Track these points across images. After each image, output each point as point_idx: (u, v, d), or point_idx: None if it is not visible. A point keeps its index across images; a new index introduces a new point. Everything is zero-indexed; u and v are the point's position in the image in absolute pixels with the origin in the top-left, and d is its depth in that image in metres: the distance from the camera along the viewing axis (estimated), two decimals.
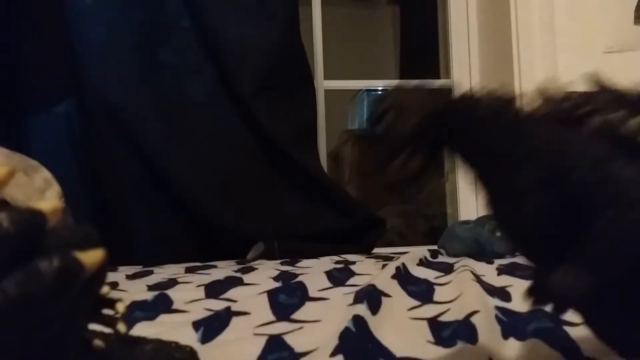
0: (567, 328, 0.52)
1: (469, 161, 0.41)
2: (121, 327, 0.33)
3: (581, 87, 0.39)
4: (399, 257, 1.08)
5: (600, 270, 0.34)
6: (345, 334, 0.52)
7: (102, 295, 0.33)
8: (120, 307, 0.34)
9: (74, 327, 0.27)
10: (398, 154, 0.40)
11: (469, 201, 1.86)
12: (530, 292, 0.43)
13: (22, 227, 0.23)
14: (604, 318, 0.36)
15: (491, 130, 0.39)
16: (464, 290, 0.72)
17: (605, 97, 0.38)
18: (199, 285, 0.87)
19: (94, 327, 0.32)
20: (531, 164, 0.36)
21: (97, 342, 0.31)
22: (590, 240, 0.34)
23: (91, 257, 0.25)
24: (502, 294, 0.70)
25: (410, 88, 0.43)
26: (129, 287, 0.89)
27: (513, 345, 0.52)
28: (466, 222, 1.36)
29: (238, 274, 1.01)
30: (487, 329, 0.54)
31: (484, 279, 0.82)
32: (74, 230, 0.26)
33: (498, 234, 1.20)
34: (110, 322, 0.33)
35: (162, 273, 1.08)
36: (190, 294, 0.80)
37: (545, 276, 0.36)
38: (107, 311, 0.33)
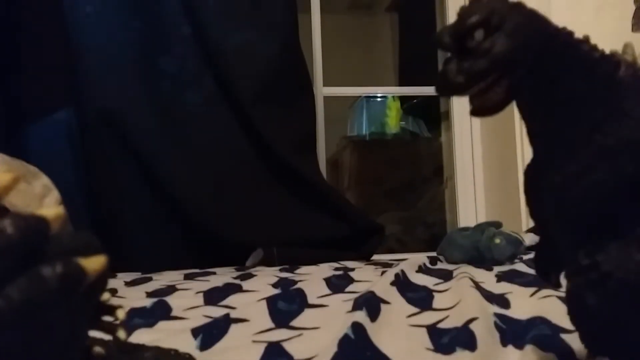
0: (564, 336, 0.52)
1: (542, 106, 0.36)
2: (121, 334, 0.33)
3: None
4: (398, 264, 1.08)
5: None
6: (344, 341, 0.52)
7: (103, 301, 0.33)
8: (121, 314, 0.33)
9: (77, 334, 0.27)
10: (482, 78, 0.33)
11: (468, 208, 1.86)
12: (546, 269, 0.42)
13: (26, 233, 0.23)
14: (631, 307, 0.34)
15: (588, 75, 0.35)
16: (463, 297, 0.71)
17: None
18: (197, 292, 0.87)
19: (94, 333, 0.32)
20: (620, 125, 0.34)
21: (97, 349, 0.31)
22: None
23: (93, 263, 0.25)
24: (501, 300, 0.70)
25: (503, 2, 0.35)
26: (127, 294, 0.89)
27: (512, 353, 0.51)
28: (465, 229, 1.36)
29: (237, 281, 1.00)
30: (486, 336, 0.54)
31: (483, 285, 0.82)
32: (76, 237, 0.27)
33: (497, 240, 1.20)
34: (110, 328, 0.33)
35: (160, 280, 1.08)
36: (189, 300, 0.80)
37: (578, 252, 0.35)
38: (107, 318, 0.33)
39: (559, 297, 0.64)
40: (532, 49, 0.34)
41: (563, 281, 0.40)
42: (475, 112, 0.35)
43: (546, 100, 0.36)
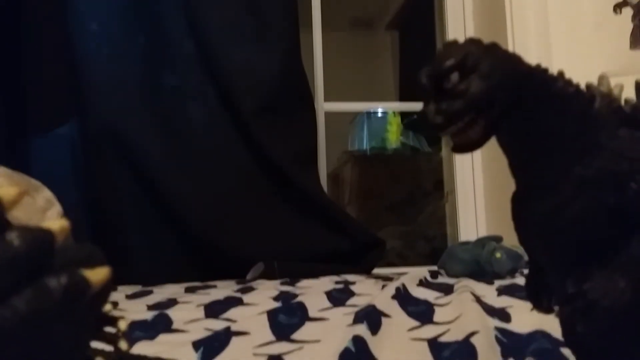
0: (564, 350, 0.52)
1: (520, 142, 0.37)
2: (123, 345, 0.34)
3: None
4: (399, 278, 1.08)
5: None
6: (345, 354, 0.52)
7: (105, 313, 0.33)
8: (122, 325, 0.34)
9: (79, 345, 0.27)
10: (459, 118, 0.34)
11: (469, 222, 1.86)
12: (537, 295, 0.43)
13: (33, 246, 0.24)
14: (621, 333, 0.34)
15: (564, 111, 0.36)
16: (463, 311, 0.71)
17: None
18: (198, 305, 0.87)
19: (96, 345, 0.33)
20: (598, 157, 0.35)
21: None
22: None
23: (97, 274, 0.26)
24: (502, 314, 0.70)
25: (477, 45, 0.36)
26: (128, 307, 0.89)
27: None
28: (466, 243, 1.36)
29: (238, 294, 1.00)
30: (487, 349, 0.54)
31: (483, 299, 0.82)
32: (80, 248, 0.27)
33: (498, 254, 1.20)
34: (111, 339, 0.33)
35: (161, 293, 1.08)
36: (190, 313, 0.80)
37: (566, 280, 0.35)
38: (108, 329, 0.33)
39: None
40: (507, 89, 0.35)
41: (555, 306, 0.41)
42: (456, 149, 0.37)
43: (524, 137, 0.37)
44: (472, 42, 0.37)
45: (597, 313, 0.34)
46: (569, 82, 0.37)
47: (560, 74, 0.37)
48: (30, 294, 0.23)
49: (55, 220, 0.26)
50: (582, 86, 0.38)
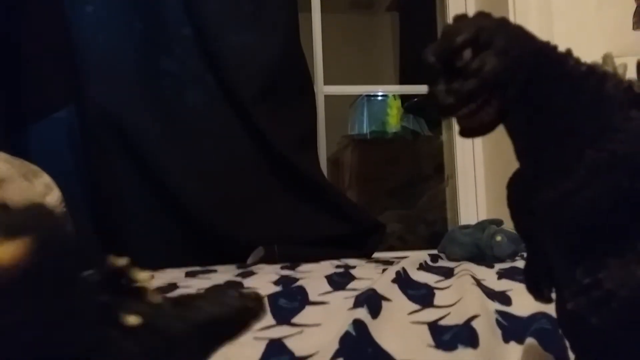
0: None
1: (532, 124, 0.35)
2: (154, 296, 0.30)
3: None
4: (399, 262, 1.08)
5: None
6: (345, 338, 0.52)
7: (117, 267, 0.29)
8: (141, 276, 0.30)
9: (63, 323, 0.24)
10: (473, 99, 0.32)
11: (469, 206, 1.86)
12: (536, 285, 0.42)
13: None
14: (637, 324, 0.33)
15: (578, 91, 0.34)
16: (464, 295, 0.72)
17: None
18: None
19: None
20: (612, 139, 0.33)
21: (131, 319, 0.28)
22: None
23: (8, 250, 0.21)
24: (502, 298, 0.70)
25: (489, 19, 0.33)
26: None
27: (514, 349, 0.52)
28: (466, 227, 1.36)
29: (238, 279, 1.01)
30: (487, 333, 0.55)
31: (484, 283, 0.82)
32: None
33: (498, 238, 1.20)
34: (138, 293, 0.30)
35: (162, 278, 1.08)
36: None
37: (575, 270, 0.34)
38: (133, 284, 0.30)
39: None
40: (523, 67, 0.33)
41: (554, 295, 0.40)
42: (465, 133, 0.35)
43: (536, 119, 0.35)
44: (483, 16, 0.34)
45: (614, 304, 0.32)
46: (579, 61, 0.35)
47: (569, 52, 0.35)
48: None
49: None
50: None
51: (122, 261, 0.29)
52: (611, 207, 0.34)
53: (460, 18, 0.34)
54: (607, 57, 0.39)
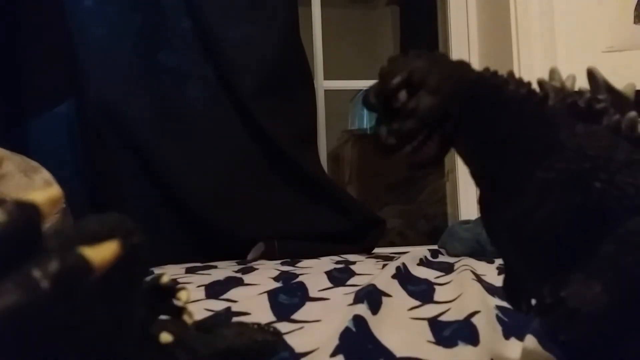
0: None
1: (479, 151, 0.36)
2: (188, 317, 0.32)
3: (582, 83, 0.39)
4: (399, 257, 1.08)
5: (622, 283, 0.32)
6: (345, 334, 0.52)
7: (163, 284, 0.31)
8: (184, 296, 0.32)
9: (124, 324, 0.24)
10: (413, 138, 0.33)
11: (470, 201, 1.85)
12: (515, 299, 0.42)
13: (10, 228, 0.19)
14: (604, 337, 0.34)
15: (519, 114, 0.35)
16: (464, 290, 0.71)
17: (609, 96, 0.37)
18: (199, 286, 0.87)
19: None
20: (559, 157, 0.34)
21: (165, 336, 0.29)
22: (614, 250, 0.32)
23: (101, 252, 0.21)
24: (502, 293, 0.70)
25: (422, 58, 0.34)
26: None
27: (514, 346, 0.51)
28: (466, 222, 1.36)
29: (238, 274, 1.01)
30: (488, 329, 0.54)
31: (484, 278, 0.82)
32: (86, 223, 0.23)
33: None
34: (175, 311, 0.31)
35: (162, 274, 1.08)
36: (190, 294, 0.80)
37: (542, 287, 0.34)
38: (175, 301, 0.32)
39: None
40: (458, 100, 0.34)
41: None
42: (413, 167, 0.35)
43: (481, 146, 0.36)
44: (417, 55, 0.35)
45: (578, 321, 0.33)
46: (520, 83, 0.36)
47: (511, 75, 0.36)
48: (10, 288, 0.18)
49: (42, 191, 0.21)
50: (535, 85, 0.37)
51: (166, 279, 0.30)
52: (567, 224, 0.34)
53: (394, 60, 0.35)
54: (552, 72, 0.39)
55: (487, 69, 0.36)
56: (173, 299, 0.32)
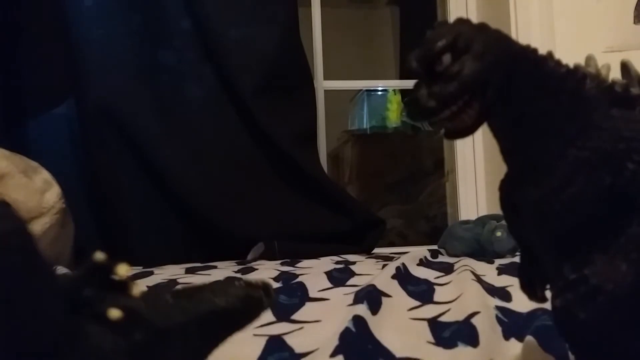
0: None
1: (514, 125, 0.36)
2: (135, 289, 0.30)
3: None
4: (399, 257, 1.08)
5: None
6: (345, 334, 0.52)
7: (97, 262, 0.29)
8: (122, 270, 0.30)
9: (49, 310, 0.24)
10: (453, 102, 0.33)
11: (469, 201, 1.85)
12: (530, 285, 0.42)
13: None
14: (622, 317, 0.34)
15: (557, 91, 0.35)
16: (464, 291, 0.71)
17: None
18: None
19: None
20: (594, 137, 0.34)
21: (113, 312, 0.28)
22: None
23: None
24: (502, 294, 0.70)
25: (467, 25, 0.35)
26: None
27: (514, 346, 0.51)
28: (466, 222, 1.36)
29: (238, 275, 1.00)
30: (487, 329, 0.54)
31: (484, 279, 0.82)
32: None
33: (498, 233, 1.19)
34: (120, 287, 0.29)
35: (162, 274, 1.08)
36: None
37: (563, 267, 0.35)
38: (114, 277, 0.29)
39: None
40: (500, 70, 0.34)
41: (548, 294, 0.40)
42: (449, 135, 0.36)
43: (518, 119, 0.36)
44: (462, 22, 0.36)
45: (600, 298, 0.33)
46: (559, 63, 0.36)
47: (550, 54, 0.36)
48: None
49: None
50: (571, 66, 0.37)
51: (100, 256, 0.29)
52: (594, 204, 0.34)
53: (441, 24, 0.36)
54: (589, 59, 0.39)
55: (528, 45, 0.36)
56: (110, 274, 0.29)
